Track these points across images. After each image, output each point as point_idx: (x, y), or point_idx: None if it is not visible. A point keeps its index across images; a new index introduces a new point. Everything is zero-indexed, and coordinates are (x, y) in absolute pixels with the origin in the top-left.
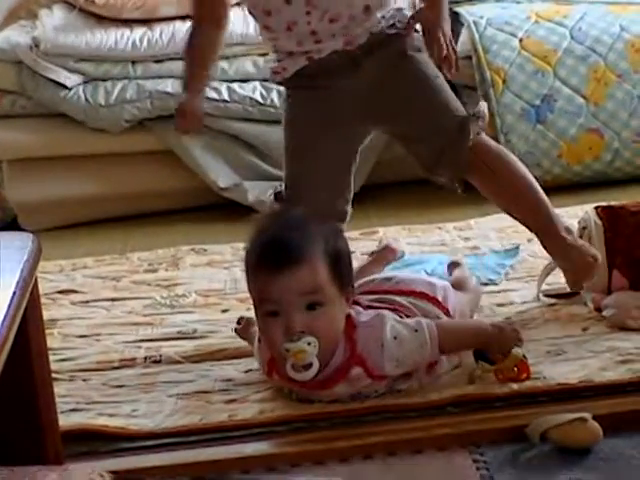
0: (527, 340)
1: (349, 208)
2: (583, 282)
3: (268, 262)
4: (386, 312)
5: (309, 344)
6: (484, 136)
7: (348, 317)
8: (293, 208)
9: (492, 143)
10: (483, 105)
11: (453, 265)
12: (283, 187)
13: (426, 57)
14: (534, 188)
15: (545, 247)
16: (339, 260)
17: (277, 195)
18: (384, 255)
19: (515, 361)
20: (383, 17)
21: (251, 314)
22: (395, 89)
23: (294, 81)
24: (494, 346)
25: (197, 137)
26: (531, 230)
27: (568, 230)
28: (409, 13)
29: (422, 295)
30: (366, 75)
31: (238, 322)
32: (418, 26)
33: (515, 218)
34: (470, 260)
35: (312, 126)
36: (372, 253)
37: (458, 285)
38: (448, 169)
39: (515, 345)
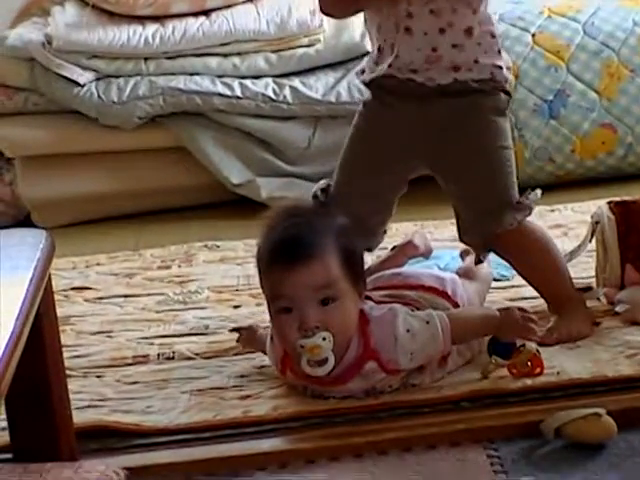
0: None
1: (384, 229)
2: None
3: (281, 258)
4: (398, 306)
5: (324, 339)
6: (524, 221)
7: (361, 312)
8: (303, 204)
9: (528, 230)
10: (534, 197)
11: (465, 253)
12: (331, 185)
13: (504, 123)
14: (558, 267)
15: (549, 308)
16: (351, 255)
17: (323, 190)
18: (404, 250)
19: (529, 355)
20: (476, 70)
21: (262, 311)
22: (458, 140)
23: (373, 88)
24: (505, 331)
25: (209, 133)
26: (545, 299)
27: (580, 300)
28: (508, 75)
29: (431, 289)
30: (439, 111)
31: (237, 339)
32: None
33: (531, 285)
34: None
35: (374, 144)
36: (394, 247)
37: (466, 274)
38: (473, 241)
39: (528, 338)
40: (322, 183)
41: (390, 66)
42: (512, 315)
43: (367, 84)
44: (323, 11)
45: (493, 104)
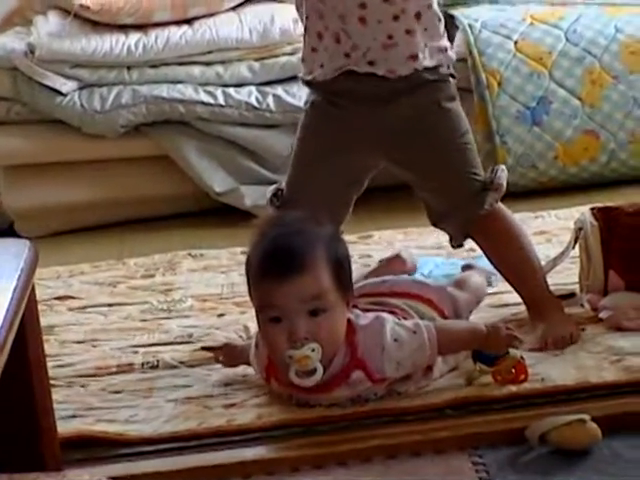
0: (524, 340)
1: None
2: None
3: (271, 270)
4: (385, 315)
5: (313, 350)
6: (498, 205)
7: (348, 321)
8: (293, 212)
9: (503, 213)
10: (503, 174)
11: (466, 267)
12: (284, 188)
13: (459, 108)
14: (534, 262)
15: (531, 317)
16: (340, 265)
17: (275, 195)
18: (392, 264)
19: (513, 362)
20: (428, 56)
21: (246, 319)
22: (419, 138)
23: (322, 90)
24: (490, 347)
25: (193, 142)
26: (520, 295)
27: (558, 304)
28: (454, 56)
29: (417, 297)
30: (395, 113)
31: (216, 360)
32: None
33: (507, 281)
34: (464, 263)
35: (325, 144)
36: (381, 261)
37: (459, 285)
38: (452, 228)
39: (513, 346)
40: (273, 188)
41: (348, 56)
42: (498, 331)
43: (316, 86)
44: None
45: (446, 93)
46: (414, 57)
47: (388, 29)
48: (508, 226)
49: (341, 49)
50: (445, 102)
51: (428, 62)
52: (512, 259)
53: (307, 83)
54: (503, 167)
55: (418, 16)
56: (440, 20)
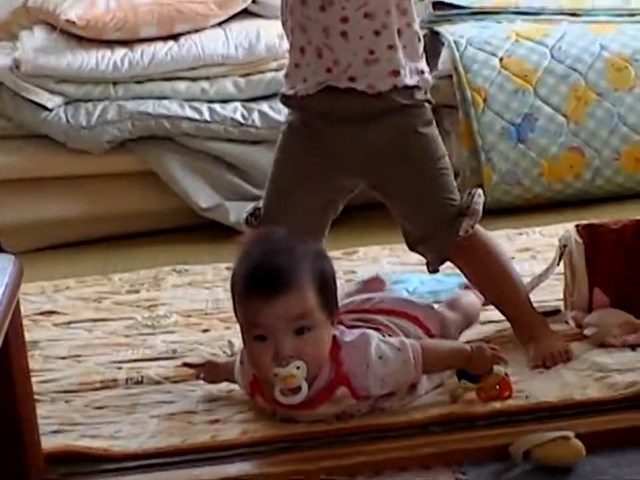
0: (508, 359)
1: None
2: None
3: (256, 288)
4: (370, 332)
5: (298, 368)
6: (476, 228)
7: (333, 337)
8: (278, 229)
9: (480, 236)
10: (479, 199)
11: (465, 286)
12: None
13: (435, 132)
14: (514, 281)
15: (516, 335)
16: (326, 283)
17: (252, 215)
18: (370, 285)
19: (497, 379)
20: (408, 74)
21: (230, 335)
22: (395, 164)
23: (300, 109)
24: (474, 366)
25: (178, 158)
26: (505, 316)
27: (543, 320)
28: (431, 80)
29: (403, 314)
30: (371, 137)
31: (197, 377)
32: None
33: (491, 302)
34: (452, 279)
35: (301, 166)
36: (359, 283)
37: (450, 305)
38: (429, 254)
39: (497, 364)
40: (250, 208)
41: (329, 71)
42: (482, 352)
43: (293, 101)
44: None
45: (422, 118)
46: (395, 73)
47: (370, 44)
48: (486, 248)
49: (323, 64)
50: (421, 127)
51: (408, 80)
52: (492, 280)
53: (287, 99)
54: (480, 192)
55: (399, 33)
56: (420, 40)
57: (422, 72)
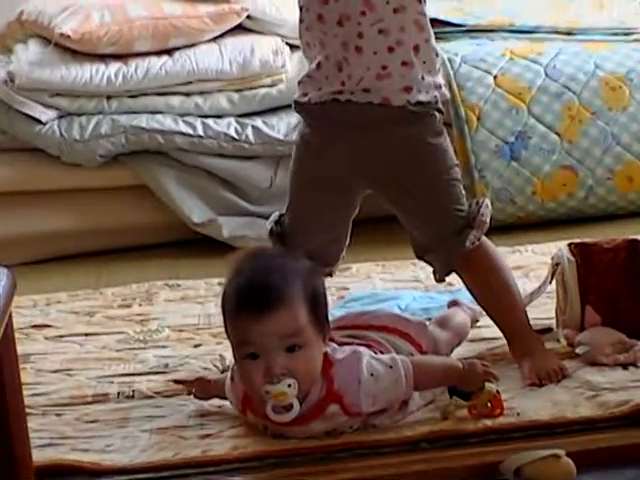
0: (500, 376)
1: (342, 255)
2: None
3: (248, 306)
4: (362, 348)
5: (289, 386)
6: (482, 239)
7: (324, 354)
8: (269, 247)
9: (486, 248)
10: (487, 210)
11: (452, 304)
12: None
13: (445, 142)
14: (515, 297)
15: (511, 350)
16: (317, 301)
17: (278, 220)
18: None
19: (489, 397)
20: (423, 90)
21: (222, 349)
22: (405, 174)
23: (312, 116)
24: (466, 383)
25: (171, 172)
26: (502, 331)
27: (539, 338)
28: (446, 93)
29: (394, 331)
30: (381, 147)
31: (188, 393)
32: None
33: (488, 315)
34: (444, 297)
35: (317, 170)
36: None
37: (441, 324)
38: (436, 263)
39: (489, 381)
40: (275, 216)
41: (343, 84)
42: (474, 369)
43: (305, 108)
44: None
45: (432, 128)
46: (408, 89)
47: (383, 60)
48: (492, 261)
49: (341, 77)
50: (432, 138)
51: (422, 97)
52: (495, 293)
53: (299, 106)
54: (487, 202)
55: (416, 49)
56: (437, 55)
57: (439, 87)
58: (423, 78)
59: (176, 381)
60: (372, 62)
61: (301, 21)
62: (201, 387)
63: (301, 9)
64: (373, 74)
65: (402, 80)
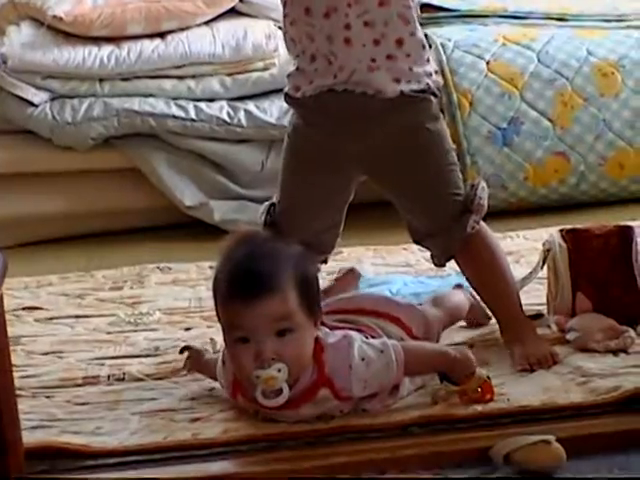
0: (491, 362)
1: (336, 242)
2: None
3: (239, 291)
4: (353, 333)
5: (279, 370)
6: (481, 225)
7: (315, 339)
8: (261, 232)
9: (484, 233)
10: (484, 194)
11: (457, 286)
12: (276, 204)
13: (442, 127)
14: (510, 283)
15: (503, 336)
16: (308, 286)
17: (269, 210)
18: (347, 279)
19: (479, 382)
20: (414, 80)
21: (213, 333)
22: (402, 160)
23: (305, 107)
24: (456, 370)
25: (163, 155)
26: (495, 316)
27: (532, 325)
28: (439, 80)
29: (385, 315)
30: (378, 133)
31: (185, 364)
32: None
33: (482, 300)
34: (435, 282)
35: (311, 160)
36: (336, 279)
37: (435, 302)
38: (435, 249)
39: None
40: (265, 207)
41: (335, 77)
42: (465, 358)
43: (298, 101)
44: None
45: (428, 113)
46: (397, 80)
47: (371, 53)
48: (489, 245)
49: (331, 70)
50: (428, 124)
51: (415, 86)
52: (490, 278)
53: (291, 99)
54: (483, 185)
55: (400, 42)
56: (424, 47)
57: (430, 74)
58: (411, 69)
59: (183, 349)
60: (362, 54)
61: (285, 15)
62: (196, 359)
63: (285, 3)
64: (364, 66)
65: (390, 73)
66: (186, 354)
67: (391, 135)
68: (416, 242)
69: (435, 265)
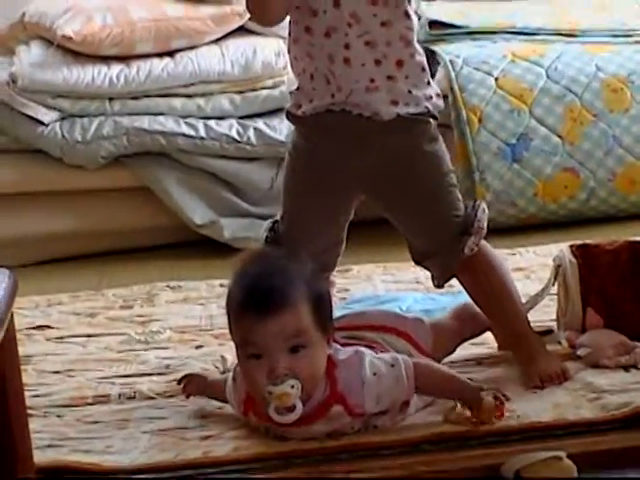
0: (500, 379)
1: (337, 261)
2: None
3: (252, 308)
4: (363, 349)
5: (292, 387)
6: (482, 243)
7: (328, 356)
8: (274, 249)
9: (485, 251)
10: (484, 216)
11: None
12: (279, 221)
13: (441, 148)
14: (516, 300)
15: (514, 354)
16: (321, 302)
17: (272, 227)
18: None
19: (489, 413)
20: (412, 103)
21: (224, 350)
22: (401, 182)
23: (305, 126)
24: (466, 398)
25: (173, 174)
26: (503, 335)
27: (541, 341)
28: (439, 102)
29: (392, 330)
30: (376, 155)
31: (183, 388)
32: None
33: (488, 318)
34: (446, 298)
35: (311, 178)
36: None
37: (455, 313)
38: (434, 269)
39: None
40: (268, 224)
41: (333, 96)
42: (485, 401)
43: (299, 119)
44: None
45: (427, 135)
46: (395, 103)
47: (370, 73)
48: (490, 264)
49: (330, 89)
50: (427, 146)
51: (412, 109)
52: (494, 296)
53: (292, 116)
54: (484, 206)
55: (400, 64)
56: (424, 70)
57: (430, 98)
58: (410, 92)
59: (179, 381)
60: (361, 75)
61: (289, 34)
62: (195, 385)
63: (290, 23)
64: (362, 87)
65: (389, 94)
66: (183, 383)
67: (388, 156)
68: (416, 262)
69: (434, 286)
